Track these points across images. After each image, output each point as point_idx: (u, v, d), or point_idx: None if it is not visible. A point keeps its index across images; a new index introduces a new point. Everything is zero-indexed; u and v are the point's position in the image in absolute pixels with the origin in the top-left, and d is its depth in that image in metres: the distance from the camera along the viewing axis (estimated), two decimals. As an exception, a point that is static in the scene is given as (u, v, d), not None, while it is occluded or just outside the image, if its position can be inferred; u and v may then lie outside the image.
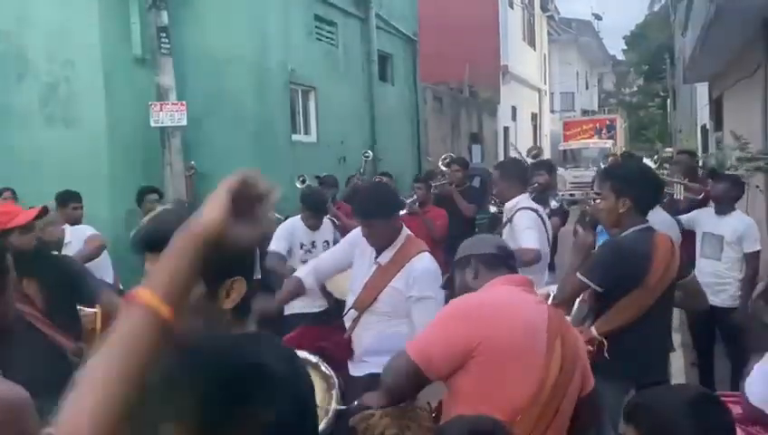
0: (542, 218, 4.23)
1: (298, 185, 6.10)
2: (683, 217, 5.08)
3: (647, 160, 6.75)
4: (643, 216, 3.08)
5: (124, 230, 6.15)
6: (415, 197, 6.04)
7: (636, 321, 2.90)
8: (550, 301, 2.97)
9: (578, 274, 2.97)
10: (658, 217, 4.05)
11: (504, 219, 4.35)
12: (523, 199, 4.23)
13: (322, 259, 3.50)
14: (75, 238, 4.38)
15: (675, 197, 5.25)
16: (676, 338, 5.21)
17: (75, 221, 5.22)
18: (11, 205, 2.76)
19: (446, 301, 2.55)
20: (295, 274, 3.40)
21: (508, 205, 4.27)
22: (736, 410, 2.12)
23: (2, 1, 7.76)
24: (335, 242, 4.89)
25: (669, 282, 2.98)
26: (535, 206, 4.30)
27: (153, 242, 1.35)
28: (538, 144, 25.25)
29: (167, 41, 7.21)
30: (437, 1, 16.49)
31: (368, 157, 8.30)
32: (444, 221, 5.88)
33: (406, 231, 3.19)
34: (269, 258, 5.01)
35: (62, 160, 7.37)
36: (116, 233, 6.79)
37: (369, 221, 3.11)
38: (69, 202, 5.28)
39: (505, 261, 2.26)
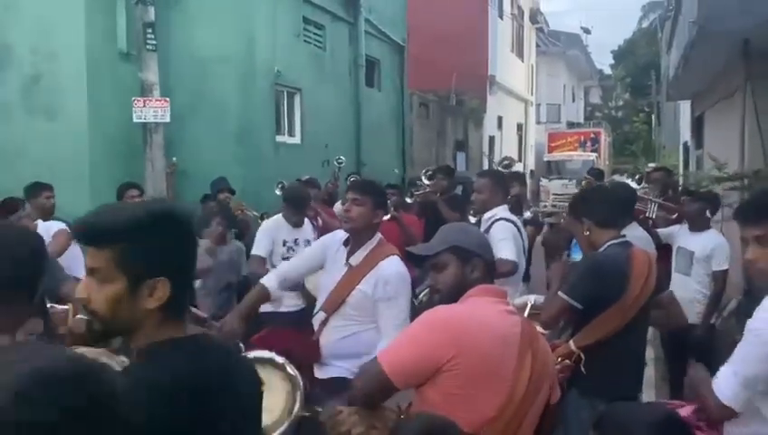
0: (518, 230, 4.25)
1: (278, 192, 6.10)
2: (660, 232, 5.15)
3: (625, 178, 6.79)
4: (614, 230, 3.12)
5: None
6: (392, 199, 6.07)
7: (614, 335, 2.93)
8: (526, 311, 3.00)
9: (560, 292, 3.00)
10: (634, 233, 4.10)
11: (482, 230, 4.36)
12: (501, 210, 4.25)
13: (290, 264, 3.47)
14: (45, 234, 4.33)
15: (648, 215, 5.29)
16: (649, 352, 5.26)
17: (48, 211, 5.15)
18: None
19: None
20: (261, 280, 3.36)
21: (486, 215, 4.27)
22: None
23: (-11, -10, 7.70)
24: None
25: (647, 297, 3.02)
26: (513, 217, 4.32)
27: (89, 236, 1.35)
28: (523, 154, 25.45)
29: (152, 37, 7.18)
30: (427, 8, 16.54)
31: (341, 163, 8.29)
32: (418, 228, 5.90)
33: (379, 235, 3.20)
34: (250, 262, 5.01)
35: (42, 153, 7.31)
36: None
37: (362, 197, 3.10)
38: (41, 192, 5.21)
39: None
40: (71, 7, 7.39)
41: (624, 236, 3.14)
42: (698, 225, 4.87)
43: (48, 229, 4.53)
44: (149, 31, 7.15)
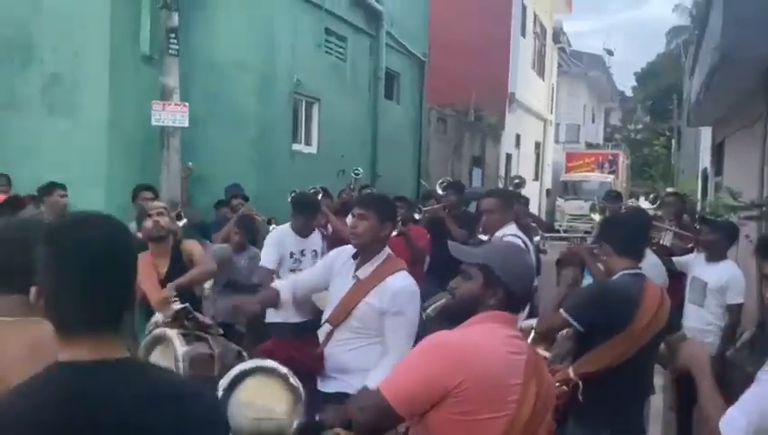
0: (528, 249, 4.22)
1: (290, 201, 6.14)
2: (676, 260, 5.07)
3: (642, 202, 6.69)
4: (631, 260, 3.06)
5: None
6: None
7: (616, 366, 2.85)
8: (531, 336, 2.96)
9: (561, 310, 2.95)
10: (648, 260, 4.05)
11: None
12: (511, 229, 4.22)
13: (301, 278, 3.47)
14: None
15: (661, 242, 5.20)
16: (658, 380, 5.18)
17: (61, 210, 5.21)
18: None
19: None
20: (273, 284, 3.39)
21: (497, 235, 4.25)
22: None
23: (15, -13, 7.81)
24: (323, 253, 4.89)
25: (656, 331, 2.94)
26: (523, 237, 4.29)
27: None
28: (540, 173, 25.35)
29: (175, 42, 7.24)
30: (450, 23, 16.58)
31: (358, 174, 8.30)
32: (426, 241, 5.86)
33: (388, 250, 3.18)
34: (258, 272, 5.01)
35: (61, 150, 7.38)
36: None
37: (367, 211, 3.09)
38: (54, 190, 5.29)
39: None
40: (96, 8, 7.46)
41: (640, 268, 3.07)
42: (715, 255, 4.78)
43: None
44: (172, 36, 7.21)
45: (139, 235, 4.21)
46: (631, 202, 12.85)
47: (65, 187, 5.43)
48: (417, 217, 6.48)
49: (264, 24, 8.46)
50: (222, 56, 8.12)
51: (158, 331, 3.03)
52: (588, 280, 4.67)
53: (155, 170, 7.35)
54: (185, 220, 5.80)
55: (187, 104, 7.28)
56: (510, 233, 4.16)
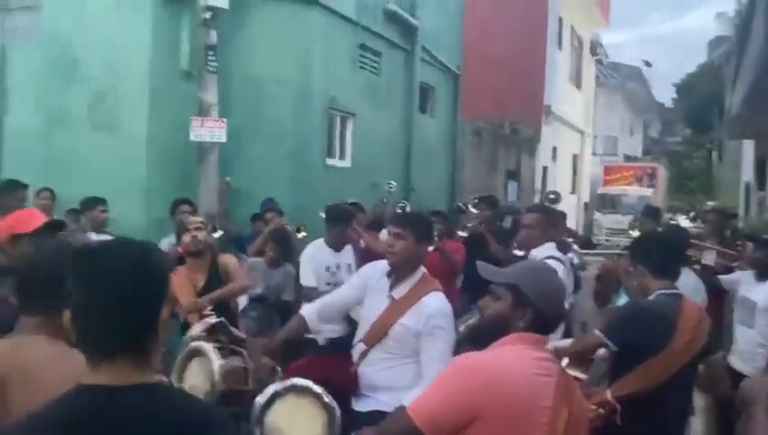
0: (566, 269, 4.13)
1: (322, 215, 6.19)
2: (723, 278, 4.93)
3: (682, 220, 6.55)
4: (667, 280, 3.01)
5: (155, 238, 6.27)
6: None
7: (653, 388, 2.79)
8: (564, 361, 2.90)
9: (596, 330, 2.91)
10: (685, 279, 3.95)
11: None
12: (549, 248, 4.14)
13: (331, 297, 3.46)
14: None
15: (703, 262, 5.06)
16: (697, 400, 5.05)
17: (101, 225, 5.35)
18: (33, 211, 2.83)
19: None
20: (301, 311, 3.38)
21: (533, 253, 4.18)
22: None
23: (63, 8, 8.09)
24: (357, 267, 4.90)
25: (696, 352, 2.88)
26: (562, 256, 4.19)
27: None
28: (577, 186, 25.03)
29: (213, 59, 7.38)
30: (485, 36, 16.56)
31: (391, 188, 8.32)
32: (461, 255, 5.85)
33: (423, 269, 3.17)
34: (304, 293, 5.03)
35: (101, 166, 7.59)
36: (146, 239, 6.92)
37: (403, 230, 3.08)
38: (96, 205, 5.43)
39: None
40: (138, 27, 7.69)
41: (677, 288, 3.01)
42: (764, 273, 4.63)
43: None
44: (211, 53, 7.36)
45: (179, 248, 4.29)
46: (670, 218, 12.59)
47: (106, 202, 5.57)
48: (461, 234, 6.44)
49: (300, 41, 8.58)
50: (259, 72, 8.26)
51: (194, 344, 3.08)
52: (623, 298, 4.59)
53: (193, 184, 7.49)
54: (220, 232, 5.89)
55: (224, 120, 7.41)
56: (548, 254, 4.09)
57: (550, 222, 4.31)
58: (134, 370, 1.31)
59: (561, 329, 4.28)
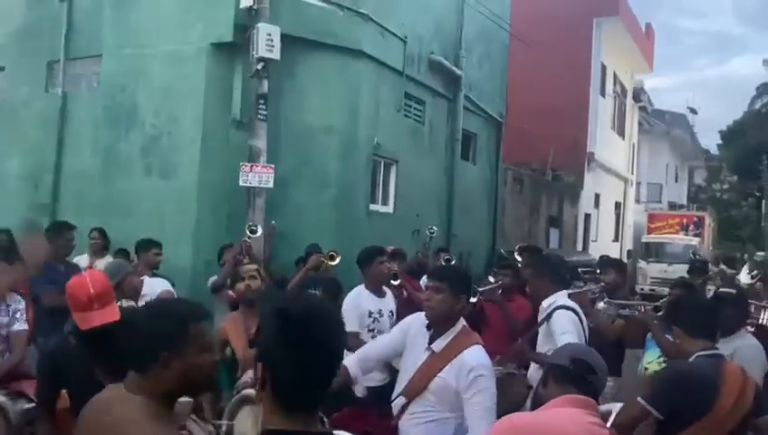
0: (579, 318, 4.05)
1: None
2: None
3: (743, 275, 6.32)
4: (705, 341, 2.98)
5: (203, 280, 6.44)
6: (499, 283, 5.44)
7: None
8: (610, 422, 2.88)
9: (639, 398, 2.88)
10: (745, 342, 3.89)
11: (540, 318, 4.17)
12: (561, 297, 4.10)
13: (372, 348, 3.48)
14: (150, 291, 4.62)
15: (762, 322, 4.90)
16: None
17: (155, 266, 5.54)
18: (82, 279, 2.75)
19: None
20: (344, 362, 3.40)
21: (544, 303, 4.14)
22: None
23: (122, 57, 8.54)
24: (397, 314, 4.92)
25: (741, 415, 2.81)
26: (574, 305, 4.12)
27: None
28: (620, 234, 24.65)
29: (264, 108, 7.64)
30: (528, 83, 16.67)
31: (432, 233, 8.34)
32: (526, 314, 5.16)
33: (463, 322, 3.17)
34: (349, 340, 5.02)
35: (154, 209, 7.87)
36: (195, 281, 7.12)
37: (441, 283, 3.08)
38: (151, 248, 5.61)
39: (579, 375, 2.18)
40: (194, 76, 8.05)
41: (717, 348, 2.98)
42: None
43: (153, 286, 4.83)
44: (262, 102, 7.62)
45: (231, 294, 4.40)
46: (723, 268, 12.13)
47: (161, 245, 5.76)
48: (473, 299, 5.88)
49: (347, 90, 8.82)
50: (307, 120, 8.49)
51: (246, 391, 3.15)
52: (651, 348, 4.47)
53: (241, 228, 7.68)
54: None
55: (272, 166, 7.62)
56: (561, 302, 4.05)
57: (552, 270, 4.25)
58: (315, 418, 1.49)
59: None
